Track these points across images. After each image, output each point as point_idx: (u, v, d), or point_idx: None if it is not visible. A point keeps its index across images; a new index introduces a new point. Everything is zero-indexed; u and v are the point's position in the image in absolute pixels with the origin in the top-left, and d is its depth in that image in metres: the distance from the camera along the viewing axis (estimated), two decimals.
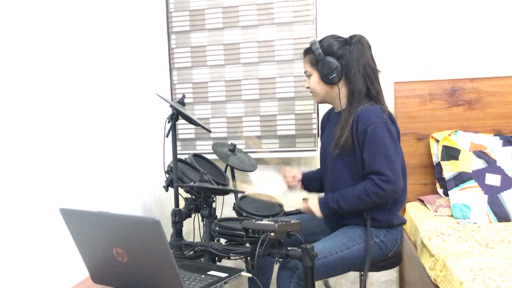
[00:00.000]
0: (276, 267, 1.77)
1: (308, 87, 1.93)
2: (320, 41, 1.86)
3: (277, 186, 2.77)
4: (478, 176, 2.15)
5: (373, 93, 1.82)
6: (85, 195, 1.83)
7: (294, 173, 2.06)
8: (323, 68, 1.83)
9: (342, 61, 1.82)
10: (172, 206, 2.05)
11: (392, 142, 1.73)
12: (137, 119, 2.36)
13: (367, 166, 1.73)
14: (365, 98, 1.81)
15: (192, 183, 2.05)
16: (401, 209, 1.86)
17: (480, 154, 2.21)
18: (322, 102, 1.95)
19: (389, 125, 1.75)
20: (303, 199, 2.33)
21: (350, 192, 1.74)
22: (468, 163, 2.19)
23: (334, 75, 1.82)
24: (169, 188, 2.14)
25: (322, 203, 1.80)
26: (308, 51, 1.90)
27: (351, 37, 1.85)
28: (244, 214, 2.10)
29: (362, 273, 2.15)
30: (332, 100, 1.92)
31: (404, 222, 1.88)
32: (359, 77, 1.80)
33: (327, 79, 1.84)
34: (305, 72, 1.93)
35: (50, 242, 1.58)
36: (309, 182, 2.08)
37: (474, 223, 2.04)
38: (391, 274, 2.67)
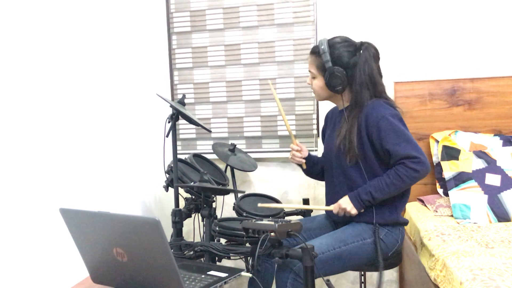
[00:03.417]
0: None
1: (309, 83, 1.92)
2: (331, 46, 1.81)
3: (277, 186, 2.77)
4: (478, 176, 2.15)
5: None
6: (85, 195, 1.83)
7: (301, 148, 2.02)
8: (331, 77, 1.80)
9: (349, 71, 1.81)
10: (172, 206, 2.05)
11: (406, 128, 1.75)
12: (137, 119, 2.36)
13: (394, 155, 1.71)
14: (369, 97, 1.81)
15: (192, 183, 2.05)
16: (404, 207, 1.86)
17: (480, 154, 2.21)
18: (323, 100, 1.96)
19: (398, 113, 1.77)
20: (303, 199, 2.34)
21: (381, 181, 1.73)
22: (468, 163, 2.19)
23: (340, 87, 1.81)
24: (169, 188, 2.14)
25: (354, 198, 1.76)
26: (315, 53, 1.85)
27: (361, 44, 1.82)
28: (244, 214, 2.10)
29: (363, 273, 2.15)
30: (334, 100, 1.93)
31: (407, 223, 1.88)
32: (364, 86, 1.79)
33: (332, 88, 1.83)
34: (309, 71, 1.90)
35: (50, 242, 1.58)
36: (312, 165, 2.05)
37: (474, 223, 2.04)
38: (391, 274, 2.67)
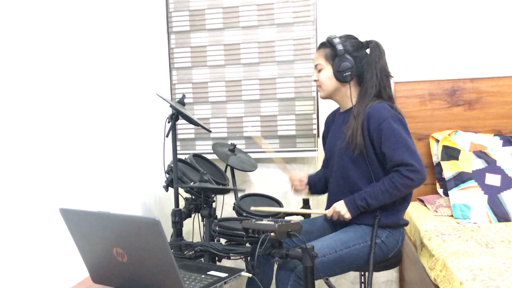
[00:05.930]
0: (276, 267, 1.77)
1: (315, 80, 1.93)
2: (339, 38, 1.87)
3: (277, 186, 2.77)
4: (478, 176, 2.15)
5: (384, 97, 1.83)
6: (85, 195, 1.83)
7: (300, 177, 2.08)
8: (340, 64, 1.83)
9: (357, 62, 1.84)
10: (172, 206, 2.05)
11: (407, 133, 1.75)
12: (137, 119, 2.36)
13: (389, 160, 1.72)
14: (374, 97, 1.82)
15: (192, 183, 2.05)
16: (406, 209, 1.86)
17: (480, 154, 2.21)
18: (327, 98, 1.94)
19: (400, 117, 1.77)
20: (303, 199, 2.33)
21: (376, 188, 1.73)
22: (468, 163, 2.19)
23: (349, 73, 1.82)
24: (169, 188, 2.14)
25: (349, 203, 1.78)
26: (324, 45, 1.90)
27: (368, 42, 1.87)
28: (244, 214, 2.10)
29: (363, 273, 2.15)
30: (339, 98, 1.92)
31: (407, 224, 1.88)
32: (375, 80, 1.81)
33: (340, 76, 1.84)
34: (315, 66, 1.92)
35: (50, 242, 1.58)
36: (314, 186, 2.09)
37: (474, 223, 2.04)
38: (391, 274, 2.67)
